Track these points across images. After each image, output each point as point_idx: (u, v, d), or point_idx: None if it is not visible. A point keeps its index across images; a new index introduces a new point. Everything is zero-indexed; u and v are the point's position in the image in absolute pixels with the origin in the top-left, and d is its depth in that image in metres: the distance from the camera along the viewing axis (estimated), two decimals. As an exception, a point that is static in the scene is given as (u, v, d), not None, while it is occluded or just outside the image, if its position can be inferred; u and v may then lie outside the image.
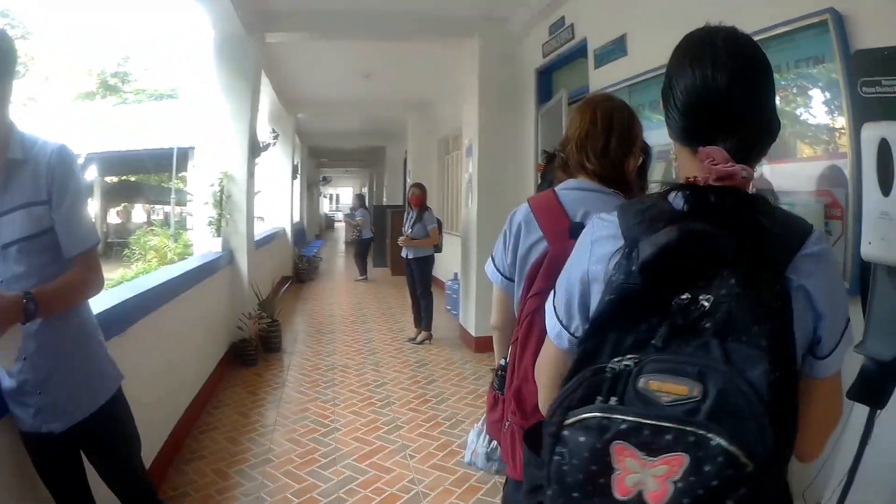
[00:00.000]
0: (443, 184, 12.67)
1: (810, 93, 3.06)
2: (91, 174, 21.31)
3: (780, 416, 0.88)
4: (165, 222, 22.38)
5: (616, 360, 0.96)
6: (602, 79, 5.12)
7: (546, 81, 6.92)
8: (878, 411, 2.17)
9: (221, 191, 6.72)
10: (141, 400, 2.98)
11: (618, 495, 0.88)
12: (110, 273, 14.47)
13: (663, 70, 3.69)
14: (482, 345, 6.97)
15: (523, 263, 2.02)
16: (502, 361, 2.12)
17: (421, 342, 7.72)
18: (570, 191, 1.99)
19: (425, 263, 7.88)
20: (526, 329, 1.87)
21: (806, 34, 2.96)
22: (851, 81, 2.60)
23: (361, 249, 14.83)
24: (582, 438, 0.92)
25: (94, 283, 2.10)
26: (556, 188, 2.04)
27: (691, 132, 1.14)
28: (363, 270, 14.40)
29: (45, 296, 1.88)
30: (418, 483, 3.94)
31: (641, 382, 0.92)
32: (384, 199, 20.90)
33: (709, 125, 1.10)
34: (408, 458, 4.30)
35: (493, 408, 2.12)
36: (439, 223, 7.95)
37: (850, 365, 2.24)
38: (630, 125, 2.01)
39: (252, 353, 6.61)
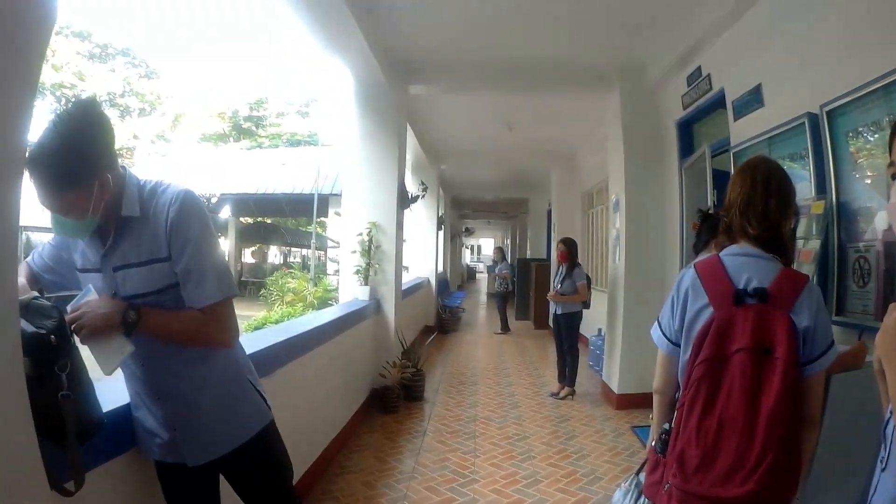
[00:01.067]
0: (586, 237, 12.47)
1: None
2: (225, 213, 22.50)
3: None
4: (303, 265, 23.23)
5: None
6: (742, 131, 5.00)
7: (687, 133, 6.81)
8: None
9: (370, 240, 6.89)
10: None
11: None
12: (247, 311, 15.10)
13: (798, 122, 3.79)
14: (624, 402, 6.88)
15: (690, 328, 2.01)
16: (665, 426, 2.13)
17: (564, 398, 7.54)
18: (734, 256, 2.01)
19: (573, 319, 7.76)
20: (693, 394, 1.90)
21: None
22: None
23: (501, 302, 14.24)
24: None
25: (216, 336, 2.06)
26: (721, 254, 2.07)
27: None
28: (505, 324, 13.94)
29: (151, 315, 1.91)
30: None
31: None
32: (527, 252, 20.89)
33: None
34: None
35: (653, 470, 2.12)
36: (588, 279, 7.83)
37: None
38: (788, 188, 2.05)
39: (394, 400, 6.66)
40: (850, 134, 3.52)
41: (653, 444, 2.18)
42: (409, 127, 8.56)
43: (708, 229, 2.89)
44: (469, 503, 4.32)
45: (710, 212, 2.80)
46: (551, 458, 5.32)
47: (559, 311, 7.72)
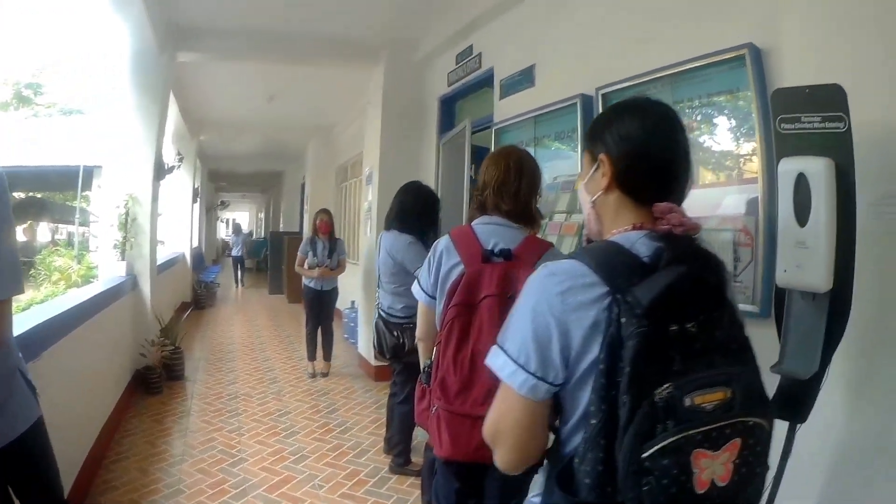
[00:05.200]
0: (340, 210, 12.65)
1: (723, 124, 3.23)
2: None
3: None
4: (70, 242, 21.47)
5: (658, 392, 1.09)
6: (507, 109, 5.19)
7: (449, 110, 6.98)
8: (798, 425, 2.33)
9: (127, 213, 6.55)
10: (56, 426, 2.89)
11: (698, 490, 1.07)
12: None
13: (571, 102, 4.10)
14: (382, 373, 6.88)
15: (444, 283, 2.40)
16: (428, 362, 2.46)
17: (326, 374, 7.57)
18: (484, 225, 2.43)
19: (336, 295, 7.73)
20: (447, 332, 2.27)
21: (721, 68, 3.12)
22: (767, 118, 2.80)
23: (235, 264, 19.64)
24: (666, 461, 1.07)
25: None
26: (472, 223, 2.47)
27: (648, 190, 1.34)
28: (238, 281, 19.16)
29: None
30: (331, 513, 3.90)
31: (688, 401, 1.08)
32: (280, 226, 20.72)
33: (663, 186, 1.34)
34: (317, 488, 4.29)
35: (421, 399, 2.45)
36: (343, 252, 7.86)
37: (770, 384, 2.43)
38: (536, 171, 2.53)
39: (156, 380, 6.43)
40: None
41: (420, 377, 2.50)
42: (172, 96, 8.18)
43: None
44: (241, 482, 4.32)
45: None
46: (315, 432, 5.43)
47: (325, 287, 7.51)
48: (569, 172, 4.27)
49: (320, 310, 7.58)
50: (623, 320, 1.13)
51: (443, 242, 2.49)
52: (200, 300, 13.43)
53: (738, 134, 3.13)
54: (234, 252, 19.95)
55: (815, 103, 2.24)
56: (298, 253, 7.53)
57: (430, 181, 6.69)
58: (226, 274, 21.55)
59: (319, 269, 7.36)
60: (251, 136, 14.36)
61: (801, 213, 2.23)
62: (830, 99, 2.18)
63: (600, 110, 3.86)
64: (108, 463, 4.54)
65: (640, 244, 1.25)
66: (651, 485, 1.07)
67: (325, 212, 7.68)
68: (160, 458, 4.69)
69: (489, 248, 2.31)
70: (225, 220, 35.74)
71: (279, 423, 5.63)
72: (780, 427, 2.30)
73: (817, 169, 2.18)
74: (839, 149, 2.18)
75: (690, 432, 1.07)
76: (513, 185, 2.42)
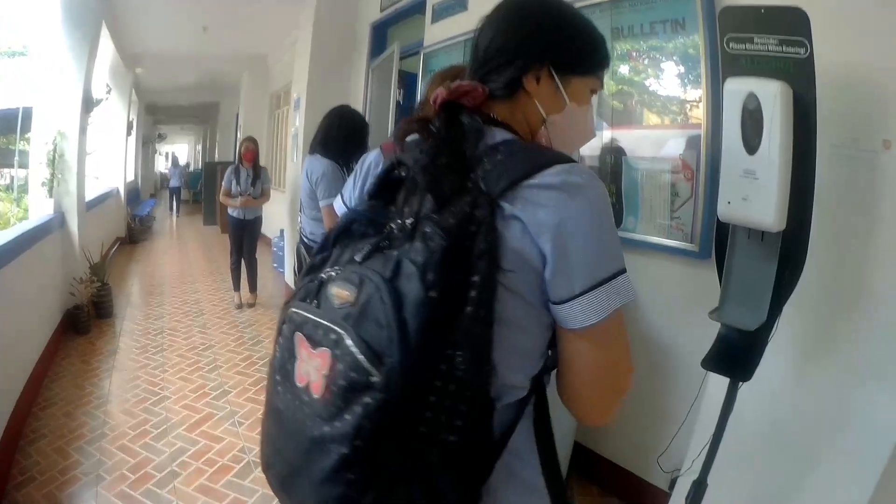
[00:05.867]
0: (272, 139, 12.63)
1: (665, 57, 3.12)
2: None
3: (424, 338, 0.88)
4: (10, 186, 20.77)
5: (328, 270, 1.03)
6: (437, 34, 5.15)
7: (381, 36, 6.94)
8: (741, 383, 2.16)
9: (55, 150, 6.50)
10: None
11: (297, 382, 0.97)
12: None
13: None
14: None
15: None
16: None
17: (252, 305, 7.59)
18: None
19: (260, 224, 7.68)
20: None
21: None
22: (713, 38, 2.69)
23: (171, 194, 21.52)
24: (286, 327, 1.03)
25: None
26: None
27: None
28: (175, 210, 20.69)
29: None
30: (248, 452, 3.96)
31: (329, 289, 0.99)
32: (216, 156, 20.45)
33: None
34: (237, 426, 4.34)
35: None
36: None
37: (707, 333, 2.33)
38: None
39: (85, 319, 6.44)
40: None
41: None
42: (106, 29, 8.04)
43: None
44: (162, 422, 4.37)
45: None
46: (238, 366, 5.53)
47: (248, 217, 7.42)
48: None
49: (244, 240, 7.55)
50: None
51: (372, 155, 2.52)
52: (135, 235, 13.25)
53: (687, 72, 3.02)
54: (172, 184, 21.71)
55: (772, 25, 2.03)
56: (223, 183, 7.46)
57: (358, 107, 6.64)
58: (163, 207, 21.36)
59: (242, 197, 7.28)
60: (187, 69, 14.08)
61: (751, 138, 1.99)
62: (790, 22, 1.96)
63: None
64: (36, 410, 4.53)
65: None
66: (278, 344, 1.06)
67: (250, 139, 7.59)
68: (86, 401, 4.72)
69: None
70: (164, 154, 34.89)
71: (203, 358, 5.69)
72: (721, 383, 2.23)
73: (771, 91, 1.94)
74: (798, 76, 1.95)
75: (297, 311, 1.02)
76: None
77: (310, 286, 1.03)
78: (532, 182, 0.96)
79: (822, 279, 2.21)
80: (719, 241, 2.26)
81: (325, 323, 0.94)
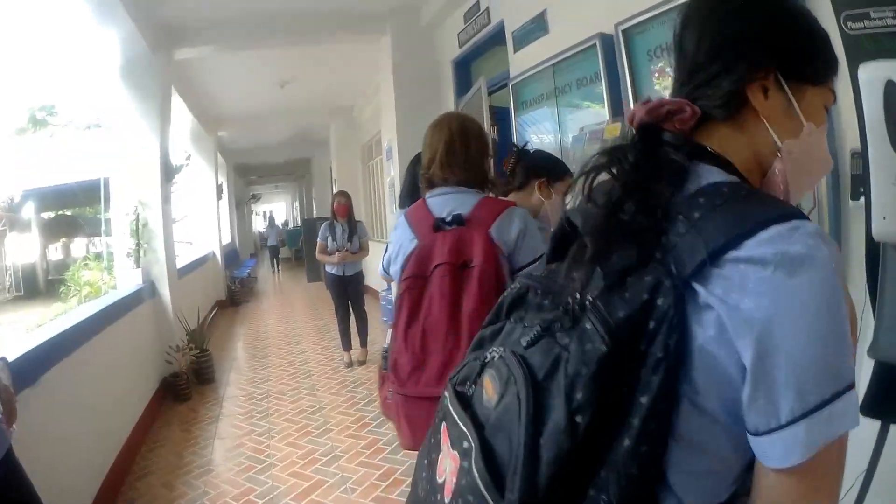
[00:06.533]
0: (368, 190, 12.59)
1: None
2: (28, 211, 21.14)
3: (557, 474, 0.68)
4: (99, 255, 21.98)
5: (494, 349, 0.84)
6: (523, 62, 4.98)
7: (464, 72, 6.78)
8: (892, 425, 1.83)
9: (137, 219, 6.41)
10: (66, 451, 2.75)
11: (437, 476, 0.83)
12: (43, 309, 14.08)
13: (589, 44, 3.65)
14: None
15: (397, 258, 2.23)
16: (385, 345, 2.32)
17: (363, 362, 7.34)
18: (436, 196, 2.23)
19: (363, 279, 7.51)
20: (398, 307, 2.09)
21: None
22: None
23: (272, 253, 22.44)
24: (439, 410, 0.91)
25: None
26: (426, 196, 2.28)
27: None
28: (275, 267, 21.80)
29: None
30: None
31: (485, 376, 0.83)
32: (314, 212, 20.72)
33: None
34: (349, 492, 4.05)
35: (381, 386, 2.29)
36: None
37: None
38: (481, 132, 2.35)
39: (184, 387, 6.30)
40: (651, 53, 3.39)
41: (380, 363, 2.38)
42: (180, 96, 8.09)
43: (524, 168, 2.74)
44: (268, 491, 4.13)
45: (525, 147, 2.80)
46: (349, 428, 5.20)
47: (348, 273, 7.22)
48: (596, 121, 3.94)
49: (347, 296, 7.34)
50: None
51: (399, 222, 2.33)
52: (236, 297, 13.38)
53: None
54: (269, 242, 22.71)
55: None
56: (318, 239, 7.30)
57: None
58: (264, 267, 21.94)
59: (340, 254, 7.07)
60: (271, 126, 14.20)
61: None
62: None
63: (623, 50, 3.54)
64: (132, 479, 4.40)
65: None
66: (434, 421, 0.93)
67: (342, 193, 7.44)
68: (186, 470, 4.54)
69: (443, 216, 2.13)
70: (262, 213, 35.96)
71: (312, 422, 5.43)
72: (871, 427, 1.87)
73: None
74: None
75: (444, 397, 0.90)
76: (461, 154, 2.24)
77: (473, 365, 0.88)
78: (738, 255, 0.69)
79: None
80: (870, 262, 1.95)
81: (461, 426, 0.80)
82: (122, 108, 6.58)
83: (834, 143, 2.37)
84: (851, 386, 0.67)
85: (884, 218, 1.75)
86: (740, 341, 0.67)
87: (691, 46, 0.89)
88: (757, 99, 0.84)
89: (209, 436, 5.25)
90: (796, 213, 0.71)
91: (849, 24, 1.87)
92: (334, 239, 7.17)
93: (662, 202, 0.76)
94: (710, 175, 0.80)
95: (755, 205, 0.74)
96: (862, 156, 1.93)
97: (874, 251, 1.89)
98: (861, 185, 2.18)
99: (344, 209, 7.22)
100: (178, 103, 8.08)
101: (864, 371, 1.86)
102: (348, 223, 7.22)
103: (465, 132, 2.26)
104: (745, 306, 0.67)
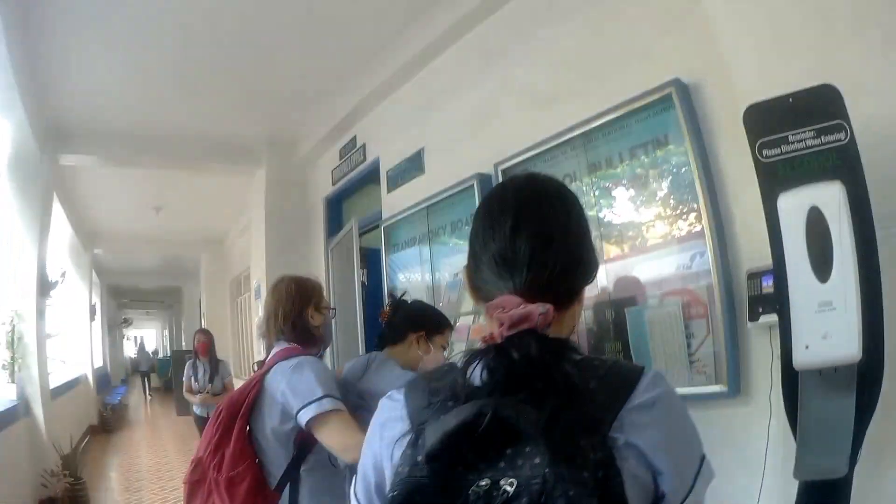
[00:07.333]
0: (236, 326, 12.21)
1: (653, 178, 2.89)
2: None
3: None
4: None
5: None
6: (396, 202, 4.94)
7: (336, 211, 6.73)
8: None
9: (13, 330, 5.93)
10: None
11: None
12: None
13: (466, 184, 3.65)
14: None
15: None
16: None
17: None
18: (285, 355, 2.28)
19: None
20: None
21: (643, 115, 2.85)
22: (705, 159, 2.52)
23: (142, 378, 22.51)
24: None
25: None
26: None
27: (485, 289, 1.03)
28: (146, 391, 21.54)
29: None
30: None
31: None
32: (182, 343, 20.01)
33: (498, 276, 1.00)
34: None
35: None
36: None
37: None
38: (315, 285, 2.52)
39: (63, 514, 5.69)
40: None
41: None
42: (60, 204, 7.71)
43: (402, 320, 2.65)
44: None
45: (403, 297, 2.68)
46: None
47: (210, 414, 6.68)
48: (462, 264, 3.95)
49: None
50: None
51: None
52: (107, 423, 12.49)
53: (674, 185, 2.80)
54: (141, 368, 23.00)
55: (805, 114, 1.83)
56: (184, 378, 6.96)
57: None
58: (136, 393, 20.74)
59: (201, 395, 6.69)
60: (145, 250, 13.96)
61: (821, 263, 1.72)
62: (823, 104, 1.79)
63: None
64: None
65: (478, 366, 0.95)
66: None
67: (203, 332, 7.23)
68: None
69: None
70: (133, 338, 34.33)
71: None
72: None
73: (834, 199, 1.69)
74: (845, 167, 1.74)
75: None
76: (291, 312, 2.39)
77: None
78: (633, 405, 0.90)
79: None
80: (789, 389, 1.94)
81: None
82: (4, 206, 6.19)
83: (728, 265, 2.50)
84: (703, 456, 0.95)
85: (806, 347, 1.77)
86: (655, 459, 0.88)
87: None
88: None
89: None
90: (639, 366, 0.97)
91: (764, 151, 1.92)
92: (196, 379, 6.81)
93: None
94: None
95: (619, 364, 0.99)
96: (776, 283, 1.98)
97: (792, 377, 1.90)
98: (759, 305, 2.28)
99: (204, 347, 6.90)
100: (58, 212, 7.71)
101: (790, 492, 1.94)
102: (209, 362, 6.87)
103: (295, 290, 2.45)
104: (652, 436, 0.88)
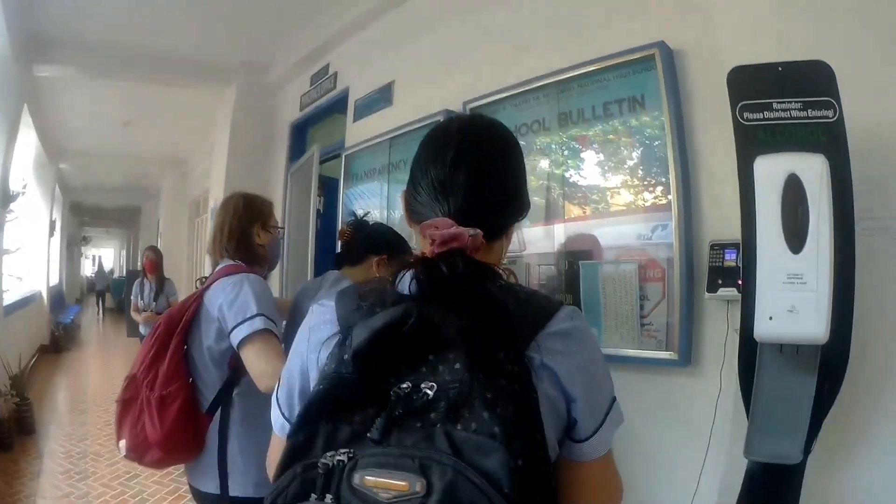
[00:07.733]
0: (193, 249, 12.15)
1: (623, 144, 2.87)
2: None
3: None
4: None
5: (329, 454, 0.84)
6: (361, 132, 4.91)
7: (301, 137, 6.67)
8: None
9: (-29, 245, 5.74)
10: None
11: None
12: None
13: (432, 119, 3.47)
14: None
15: None
16: None
17: None
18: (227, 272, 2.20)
19: None
20: None
21: (622, 72, 2.81)
22: (681, 126, 2.51)
23: (97, 297, 22.54)
24: None
25: None
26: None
27: (421, 212, 1.09)
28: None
29: None
30: None
31: (356, 479, 0.80)
32: (138, 264, 19.84)
33: (434, 199, 1.07)
34: None
35: None
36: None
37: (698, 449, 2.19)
38: (263, 203, 2.48)
39: (6, 435, 5.65)
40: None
41: None
42: (30, 116, 7.51)
43: (362, 242, 2.55)
44: None
45: (365, 219, 2.59)
46: (164, 500, 4.75)
47: None
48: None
49: None
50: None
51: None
52: (59, 343, 12.30)
53: (645, 156, 2.78)
54: (98, 287, 22.93)
55: (793, 85, 1.78)
56: (131, 297, 6.80)
57: (278, 214, 6.25)
58: (88, 314, 20.68)
59: (144, 314, 6.49)
60: (111, 168, 13.70)
61: (795, 234, 1.67)
62: (814, 80, 1.73)
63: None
64: None
65: (406, 278, 1.03)
66: None
67: (151, 248, 7.17)
68: None
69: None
70: (91, 257, 33.81)
71: (128, 489, 4.90)
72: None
73: (815, 170, 1.64)
74: (829, 144, 1.69)
75: None
76: (237, 229, 2.32)
77: (306, 477, 0.84)
78: (551, 331, 0.97)
79: (862, 384, 1.88)
80: (746, 363, 1.92)
81: None
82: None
83: (691, 233, 2.46)
84: (614, 397, 1.04)
85: (770, 318, 1.73)
86: (568, 384, 0.96)
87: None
88: None
89: (30, 493, 4.71)
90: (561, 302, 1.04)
91: (745, 114, 1.88)
92: (142, 297, 6.67)
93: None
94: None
95: (539, 295, 1.07)
96: (744, 251, 1.93)
97: (750, 350, 1.88)
98: (719, 278, 2.25)
99: (152, 265, 6.77)
100: (26, 124, 7.50)
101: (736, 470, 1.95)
102: (156, 281, 6.75)
103: (245, 205, 2.40)
104: (568, 363, 0.96)
